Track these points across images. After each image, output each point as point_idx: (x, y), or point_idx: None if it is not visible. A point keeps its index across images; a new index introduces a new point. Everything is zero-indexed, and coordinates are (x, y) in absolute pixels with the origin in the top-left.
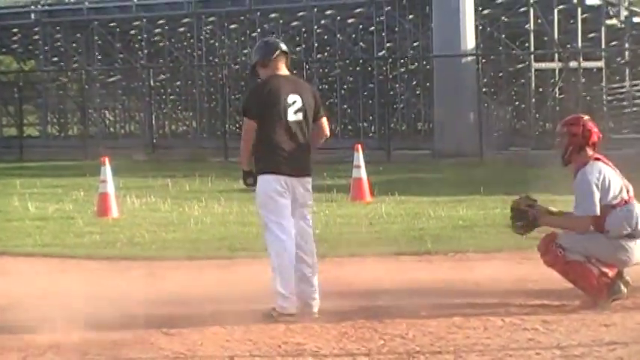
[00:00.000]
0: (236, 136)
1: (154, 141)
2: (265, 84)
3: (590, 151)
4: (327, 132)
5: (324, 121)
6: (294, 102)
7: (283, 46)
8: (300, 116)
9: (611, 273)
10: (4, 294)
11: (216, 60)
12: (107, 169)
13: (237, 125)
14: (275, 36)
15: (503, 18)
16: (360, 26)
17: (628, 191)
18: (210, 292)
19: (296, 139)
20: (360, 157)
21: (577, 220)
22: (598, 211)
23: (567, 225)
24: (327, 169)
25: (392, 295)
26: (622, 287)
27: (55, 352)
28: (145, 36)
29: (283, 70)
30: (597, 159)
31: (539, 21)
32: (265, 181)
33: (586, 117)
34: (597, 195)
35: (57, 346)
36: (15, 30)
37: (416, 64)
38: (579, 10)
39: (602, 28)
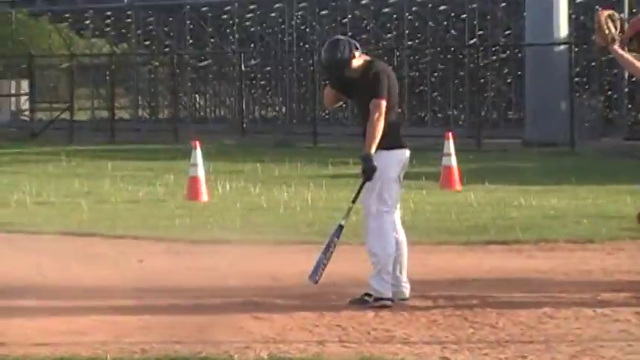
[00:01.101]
0: (324, 122)
1: (244, 125)
2: (377, 64)
3: None
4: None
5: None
6: (395, 82)
7: (352, 41)
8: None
9: None
10: (93, 275)
11: (307, 46)
12: (197, 153)
13: (327, 111)
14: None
15: (596, 6)
16: (452, 13)
17: None
18: (300, 278)
19: (399, 117)
20: (450, 145)
21: None
22: None
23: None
24: (416, 156)
25: (482, 284)
26: None
27: (144, 333)
28: (236, 21)
29: (365, 56)
30: None
31: (634, 10)
32: (389, 158)
33: None
34: None
35: (146, 327)
36: (108, 13)
37: (507, 52)
38: None
39: None
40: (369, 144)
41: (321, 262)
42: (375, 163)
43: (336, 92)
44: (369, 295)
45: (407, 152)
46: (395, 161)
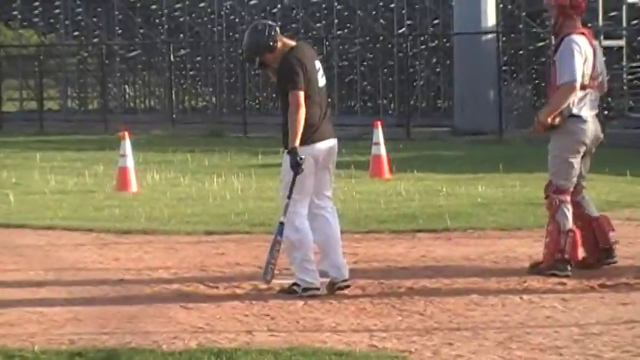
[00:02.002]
0: (255, 111)
1: (174, 116)
2: (296, 54)
3: (578, 22)
4: None
5: None
6: (318, 68)
7: (273, 24)
8: (324, 80)
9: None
10: (23, 267)
11: (237, 36)
12: (127, 144)
13: (257, 101)
14: (273, 18)
15: None
16: (381, 3)
17: (592, 78)
18: (230, 267)
19: (327, 104)
20: (379, 134)
21: (564, 90)
22: (579, 79)
23: (558, 101)
24: (346, 145)
25: (410, 272)
26: (568, 269)
27: (75, 325)
28: (165, 11)
29: (291, 42)
30: (582, 33)
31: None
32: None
33: None
34: (581, 63)
35: (76, 319)
36: (36, 3)
37: (436, 41)
38: None
39: (624, 7)
40: (292, 138)
41: (270, 262)
42: (302, 156)
43: None
44: (297, 285)
45: (328, 143)
46: (311, 155)
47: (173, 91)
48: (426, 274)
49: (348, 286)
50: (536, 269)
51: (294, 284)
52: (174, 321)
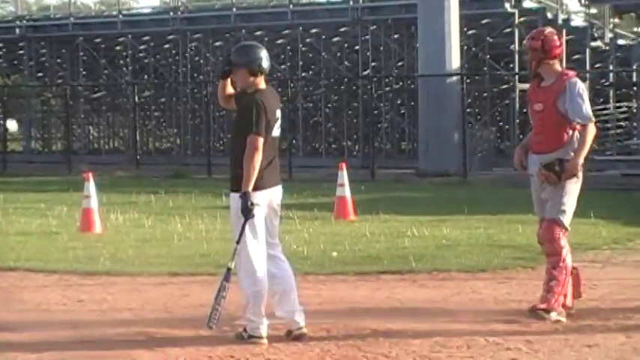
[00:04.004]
0: (219, 153)
1: (138, 157)
2: (263, 98)
3: (557, 64)
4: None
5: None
6: (277, 118)
7: (265, 56)
8: (279, 132)
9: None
10: None
11: (201, 77)
12: (91, 185)
13: (221, 142)
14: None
15: (488, 38)
16: (346, 45)
17: None
18: (194, 309)
19: (275, 153)
20: (344, 176)
21: (590, 132)
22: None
23: (586, 143)
24: (310, 187)
25: (375, 314)
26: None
27: None
28: (129, 52)
29: (263, 83)
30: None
31: (524, 42)
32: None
33: (548, 30)
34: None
35: None
36: (0, 44)
37: (401, 83)
38: (564, 31)
39: (587, 50)
40: (245, 182)
41: (215, 308)
42: (255, 201)
43: (228, 93)
44: (245, 330)
45: (272, 191)
46: (259, 204)
47: (137, 133)
48: (390, 316)
49: (303, 334)
50: (537, 313)
51: (244, 329)
52: None
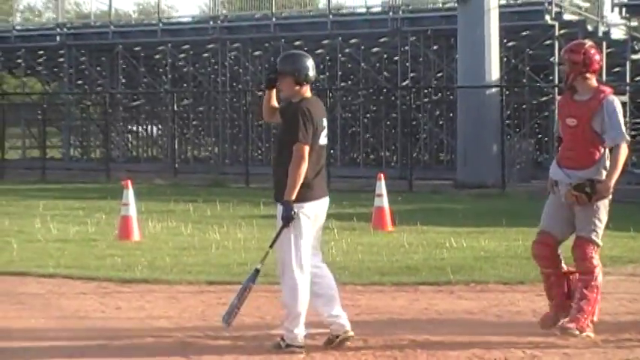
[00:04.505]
0: (257, 162)
1: (176, 166)
2: (309, 106)
3: (593, 79)
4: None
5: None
6: (324, 126)
7: (312, 65)
8: (326, 140)
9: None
10: (24, 315)
11: (240, 86)
12: (129, 193)
13: (259, 152)
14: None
15: (528, 50)
16: (385, 55)
17: None
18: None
19: (323, 163)
20: (382, 186)
21: (624, 151)
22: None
23: (620, 162)
24: (348, 197)
25: (412, 325)
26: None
27: None
28: (169, 61)
29: (309, 92)
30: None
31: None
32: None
33: (589, 43)
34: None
35: None
36: (40, 52)
37: (439, 94)
38: (604, 44)
39: (627, 63)
40: (289, 191)
41: (234, 306)
42: (295, 210)
43: (273, 106)
44: (283, 339)
45: (321, 202)
46: (308, 215)
47: (176, 141)
48: (428, 327)
49: (350, 337)
50: (569, 331)
51: (282, 338)
52: None
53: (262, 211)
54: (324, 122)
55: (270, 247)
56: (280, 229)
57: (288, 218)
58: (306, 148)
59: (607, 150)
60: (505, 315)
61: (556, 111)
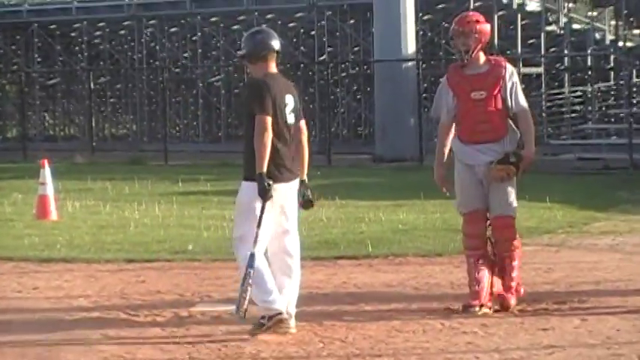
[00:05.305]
0: (175, 139)
1: (94, 144)
2: (265, 81)
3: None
4: (306, 132)
5: (303, 122)
6: (288, 103)
7: (274, 44)
8: (293, 118)
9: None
10: None
11: (157, 63)
12: (47, 172)
13: (177, 128)
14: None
15: (443, 23)
16: (302, 30)
17: None
18: (151, 295)
19: (289, 141)
20: None
21: (530, 117)
22: None
23: (532, 130)
24: None
25: (331, 299)
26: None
27: None
28: (85, 38)
29: (273, 69)
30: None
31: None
32: (253, 189)
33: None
34: None
35: None
36: None
37: (357, 68)
38: (519, 16)
39: (542, 34)
40: (259, 163)
41: (242, 297)
42: (269, 182)
43: None
44: (263, 317)
45: (289, 185)
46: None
47: (93, 119)
48: (347, 301)
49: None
50: (504, 304)
51: (262, 317)
52: (95, 350)
53: (181, 188)
54: (289, 99)
55: (258, 227)
56: (263, 205)
57: (264, 190)
58: (268, 119)
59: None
60: (423, 287)
61: (443, 89)
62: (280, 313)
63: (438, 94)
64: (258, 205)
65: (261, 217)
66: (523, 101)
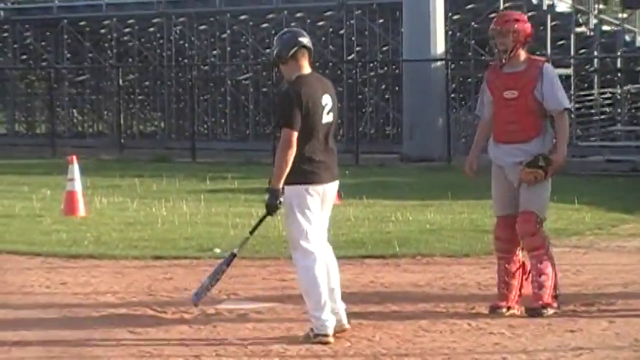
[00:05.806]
0: (203, 137)
1: (122, 141)
2: (299, 85)
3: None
4: None
5: None
6: (326, 104)
7: (304, 40)
8: (330, 117)
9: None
10: None
11: (186, 61)
12: (75, 168)
13: (205, 126)
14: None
15: (473, 24)
16: (330, 29)
17: None
18: (178, 292)
19: (327, 142)
20: None
21: (566, 118)
22: None
23: (566, 134)
24: None
25: (358, 298)
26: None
27: (21, 349)
28: (114, 35)
29: (306, 68)
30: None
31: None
32: (299, 193)
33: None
34: None
35: (22, 342)
36: None
37: (385, 68)
38: (549, 17)
39: (572, 36)
40: (276, 178)
41: (206, 286)
42: (281, 199)
43: None
44: (312, 329)
45: (330, 186)
46: (304, 200)
47: (121, 116)
48: (374, 300)
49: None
50: (537, 311)
51: (311, 329)
52: (122, 345)
53: (209, 185)
54: (326, 99)
55: (250, 233)
56: (263, 217)
57: (272, 207)
58: (294, 134)
59: (547, 121)
60: (450, 287)
61: (483, 87)
62: (327, 335)
63: (481, 92)
64: (310, 204)
65: (256, 226)
66: (559, 103)
